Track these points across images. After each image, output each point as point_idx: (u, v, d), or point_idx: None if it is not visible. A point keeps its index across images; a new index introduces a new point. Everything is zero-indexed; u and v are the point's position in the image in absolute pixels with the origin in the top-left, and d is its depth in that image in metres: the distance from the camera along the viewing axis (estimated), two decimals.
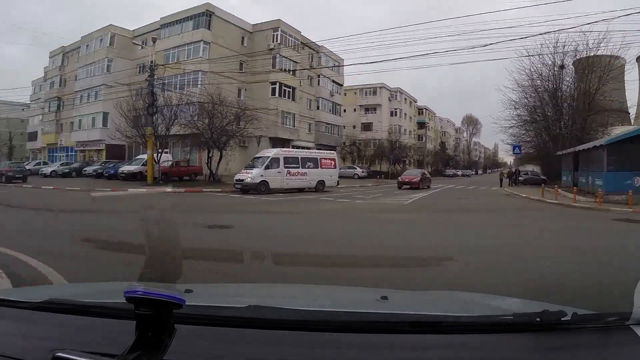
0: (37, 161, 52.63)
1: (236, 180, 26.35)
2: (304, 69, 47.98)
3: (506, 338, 1.43)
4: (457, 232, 11.45)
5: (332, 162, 30.95)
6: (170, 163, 35.07)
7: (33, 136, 65.17)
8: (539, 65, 37.76)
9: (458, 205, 21.27)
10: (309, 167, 28.76)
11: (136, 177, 33.14)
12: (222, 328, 1.45)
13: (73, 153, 54.07)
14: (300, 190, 27.76)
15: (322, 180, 29.28)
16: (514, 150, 44.64)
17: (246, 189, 25.49)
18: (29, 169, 42.65)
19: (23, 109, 69.88)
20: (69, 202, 19.34)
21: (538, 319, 1.42)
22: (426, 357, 1.36)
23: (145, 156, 32.66)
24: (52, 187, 27.24)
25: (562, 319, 1.43)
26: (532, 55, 36.86)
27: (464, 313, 1.76)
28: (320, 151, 34.41)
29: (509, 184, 39.47)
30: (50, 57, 60.64)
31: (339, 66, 52.76)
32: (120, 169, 35.80)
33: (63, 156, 55.03)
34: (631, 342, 1.39)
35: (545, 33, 37.33)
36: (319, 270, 6.57)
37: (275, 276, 5.75)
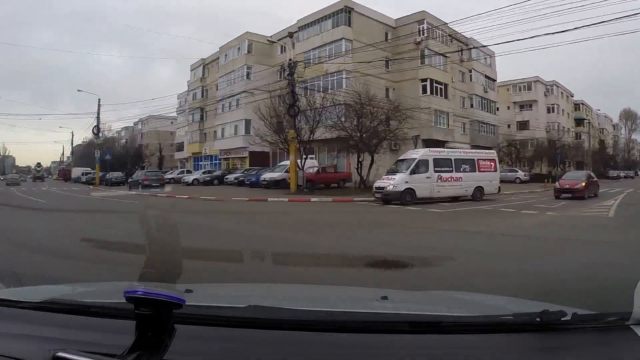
0: (181, 170, 53.90)
1: (376, 188, 22.21)
2: (453, 52, 42.79)
3: (506, 338, 1.43)
4: None
5: (492, 163, 25.20)
6: (315, 169, 32.41)
7: (180, 146, 67.73)
8: None
9: None
10: (464, 171, 23.38)
11: (279, 185, 30.84)
12: (222, 328, 1.45)
13: (217, 161, 54.27)
14: (454, 199, 22.74)
15: (481, 187, 23.80)
16: None
17: (387, 198, 21.11)
18: (172, 178, 43.06)
19: (172, 122, 73.83)
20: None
21: (538, 319, 1.42)
22: (426, 357, 1.34)
23: (288, 162, 30.18)
24: (186, 197, 25.57)
25: (562, 319, 1.43)
26: None
27: (464, 313, 1.77)
28: (477, 151, 28.46)
29: None
30: (191, 70, 62.44)
31: (485, 44, 46.46)
32: (262, 176, 33.86)
33: (207, 165, 55.57)
34: (631, 342, 1.39)
35: None
36: None
37: None
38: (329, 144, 34.75)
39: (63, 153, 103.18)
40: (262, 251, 7.74)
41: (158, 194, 28.15)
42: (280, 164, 35.59)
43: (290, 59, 30.00)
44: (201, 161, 58.53)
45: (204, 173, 44.29)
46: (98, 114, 45.94)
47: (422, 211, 17.86)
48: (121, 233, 9.72)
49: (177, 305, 1.16)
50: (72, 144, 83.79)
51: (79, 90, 54.49)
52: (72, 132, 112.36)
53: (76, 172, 62.52)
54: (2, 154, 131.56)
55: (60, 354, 1.19)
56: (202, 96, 58.71)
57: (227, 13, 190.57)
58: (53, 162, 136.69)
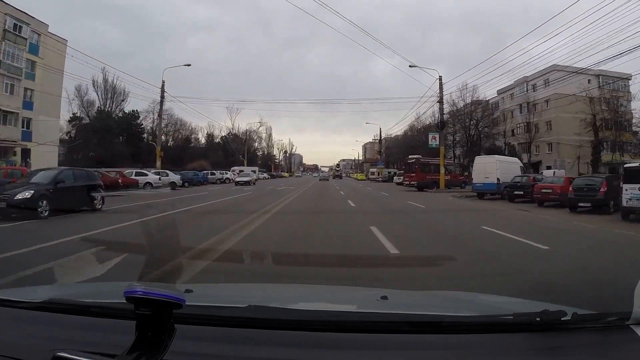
0: None
1: None
2: None
3: (506, 338, 1.38)
4: None
5: None
6: None
7: None
8: None
9: None
10: None
11: None
12: (222, 328, 1.40)
13: None
14: None
15: None
16: None
17: None
18: None
19: None
20: None
21: (538, 319, 1.37)
22: (426, 357, 1.31)
23: None
24: None
25: (562, 319, 1.38)
26: None
27: (464, 313, 1.72)
28: None
29: None
30: None
31: None
32: None
33: None
34: (631, 342, 1.35)
35: None
36: None
37: None
38: None
39: None
40: None
41: None
42: None
43: None
44: None
45: None
46: None
47: None
48: None
49: (177, 305, 1.13)
50: None
51: None
52: None
53: None
54: None
55: (60, 354, 1.14)
56: None
57: None
58: None
